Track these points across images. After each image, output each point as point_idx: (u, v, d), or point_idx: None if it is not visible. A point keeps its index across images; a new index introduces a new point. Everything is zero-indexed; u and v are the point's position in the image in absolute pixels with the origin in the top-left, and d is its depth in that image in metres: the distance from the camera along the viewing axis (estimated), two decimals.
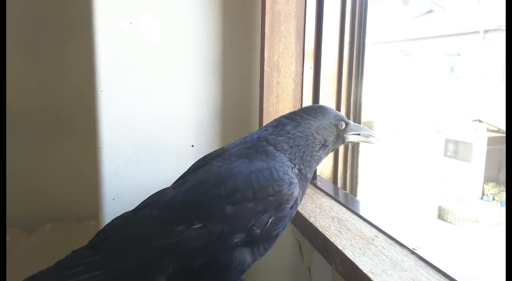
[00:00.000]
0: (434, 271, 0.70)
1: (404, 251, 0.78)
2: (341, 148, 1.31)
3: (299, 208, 1.01)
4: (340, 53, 1.24)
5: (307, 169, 0.82)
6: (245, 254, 0.76)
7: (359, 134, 0.89)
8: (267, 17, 1.12)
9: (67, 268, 0.75)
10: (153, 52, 1.35)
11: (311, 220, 0.95)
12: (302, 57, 1.20)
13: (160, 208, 0.78)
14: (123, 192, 1.45)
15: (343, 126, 0.86)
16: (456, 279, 0.67)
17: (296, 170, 0.80)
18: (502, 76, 8.32)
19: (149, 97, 1.40)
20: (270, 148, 0.80)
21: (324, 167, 1.32)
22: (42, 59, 2.20)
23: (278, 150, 0.80)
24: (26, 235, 2.29)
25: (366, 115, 1.32)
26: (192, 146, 1.48)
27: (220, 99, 1.46)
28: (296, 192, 0.77)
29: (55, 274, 0.74)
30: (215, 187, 0.75)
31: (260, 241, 0.76)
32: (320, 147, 0.84)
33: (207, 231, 0.73)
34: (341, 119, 0.87)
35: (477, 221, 8.01)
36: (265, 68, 1.18)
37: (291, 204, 0.77)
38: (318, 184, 1.21)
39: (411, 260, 0.75)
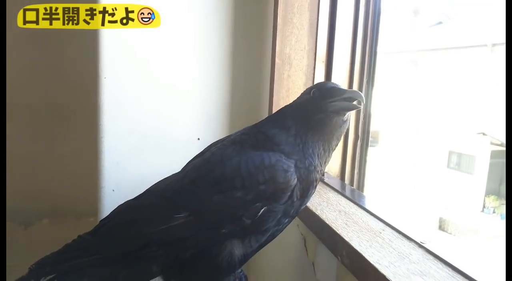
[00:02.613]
0: (443, 265, 0.69)
1: (412, 245, 0.77)
2: (349, 146, 1.30)
3: None
4: (352, 59, 1.21)
5: (301, 161, 0.73)
6: (235, 246, 0.72)
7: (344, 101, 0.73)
8: (280, 7, 1.11)
9: (70, 251, 0.76)
10: (161, 41, 1.33)
11: (318, 212, 0.93)
12: (314, 51, 1.19)
13: (153, 196, 0.79)
14: (124, 184, 1.43)
15: (316, 94, 0.75)
16: (466, 272, 0.65)
17: (293, 162, 0.72)
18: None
19: (154, 87, 1.38)
20: (262, 137, 0.75)
21: (332, 165, 1.31)
22: (44, 47, 2.17)
23: (272, 141, 0.74)
24: (23, 230, 2.26)
25: (372, 124, 1.30)
26: (198, 139, 1.47)
27: (229, 92, 1.44)
28: (294, 181, 0.71)
29: (60, 256, 0.76)
30: (204, 175, 0.74)
31: (251, 233, 0.72)
32: (305, 130, 0.74)
33: (193, 220, 0.71)
34: (316, 87, 0.77)
35: (477, 233, 7.95)
36: (276, 60, 1.17)
37: (288, 193, 0.70)
38: (326, 180, 1.20)
39: (419, 253, 0.73)
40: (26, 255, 0.99)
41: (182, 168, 0.84)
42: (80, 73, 1.89)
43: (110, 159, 1.39)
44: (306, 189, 0.74)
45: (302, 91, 0.83)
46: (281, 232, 0.77)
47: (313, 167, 0.74)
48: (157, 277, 0.77)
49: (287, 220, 0.75)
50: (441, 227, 8.33)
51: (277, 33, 1.14)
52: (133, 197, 0.85)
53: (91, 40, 1.32)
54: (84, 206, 1.85)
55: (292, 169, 0.71)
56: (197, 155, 0.85)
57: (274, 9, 1.15)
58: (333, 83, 0.79)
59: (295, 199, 0.72)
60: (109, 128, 1.36)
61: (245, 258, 0.74)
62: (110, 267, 0.75)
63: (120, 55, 1.33)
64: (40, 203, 2.28)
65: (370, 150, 1.32)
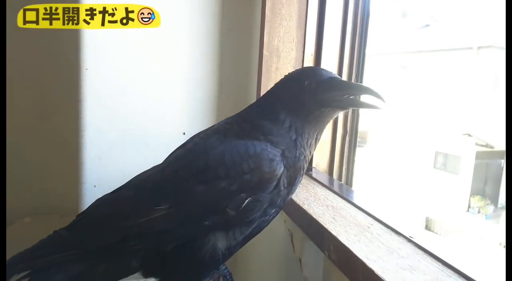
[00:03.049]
0: (433, 259, 0.67)
1: (401, 239, 0.75)
2: (338, 141, 1.28)
3: (293, 196, 0.97)
4: (341, 52, 1.19)
5: (290, 150, 0.70)
6: (219, 239, 0.69)
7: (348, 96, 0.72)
8: None
9: (45, 247, 0.73)
10: (144, 31, 1.29)
11: (305, 207, 0.91)
12: (303, 43, 1.17)
13: (133, 188, 0.75)
14: (106, 179, 1.39)
15: (313, 86, 0.71)
16: (456, 267, 0.64)
17: (280, 151, 0.69)
18: (492, 92, 8.46)
19: (138, 80, 1.34)
20: (248, 126, 0.72)
21: (320, 160, 1.29)
22: (26, 35, 2.10)
23: (259, 130, 0.71)
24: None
25: (361, 125, 1.29)
26: (184, 133, 1.43)
27: (216, 85, 1.41)
28: (280, 170, 0.68)
29: (35, 253, 0.72)
30: (186, 165, 0.71)
31: (235, 224, 0.69)
32: (302, 124, 0.71)
33: (174, 212, 0.67)
34: (308, 76, 0.72)
35: (462, 232, 8.07)
36: (264, 52, 1.15)
37: (274, 183, 0.68)
38: (314, 175, 1.17)
39: (408, 248, 0.71)
40: (9, 254, 0.95)
41: (164, 160, 0.81)
42: (62, 64, 1.83)
43: (92, 154, 1.35)
44: (294, 177, 0.72)
45: (284, 77, 0.78)
46: (268, 223, 0.74)
47: (303, 157, 0.72)
48: (138, 273, 0.74)
49: (274, 210, 0.72)
50: (427, 227, 8.44)
51: (265, 24, 1.11)
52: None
53: (73, 32, 1.28)
54: (66, 203, 1.79)
55: (278, 158, 0.68)
56: (179, 146, 0.82)
57: (262, 0, 1.12)
58: (325, 70, 0.75)
59: (282, 188, 0.69)
60: (91, 120, 1.31)
61: (230, 251, 0.70)
62: (88, 262, 0.71)
63: (103, 46, 1.28)
64: (20, 201, 2.21)
65: (359, 150, 1.31)
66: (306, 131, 0.72)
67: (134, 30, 1.29)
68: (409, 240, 0.74)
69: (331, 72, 0.75)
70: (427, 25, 10.52)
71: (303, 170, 0.74)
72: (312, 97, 0.71)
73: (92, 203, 0.80)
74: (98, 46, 1.26)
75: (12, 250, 0.78)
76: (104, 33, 1.26)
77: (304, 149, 0.72)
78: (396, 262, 0.66)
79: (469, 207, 8.96)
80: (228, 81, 1.39)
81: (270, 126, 0.71)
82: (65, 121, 1.67)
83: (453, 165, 9.53)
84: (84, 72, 1.27)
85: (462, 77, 9.29)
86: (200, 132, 0.80)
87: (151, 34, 1.29)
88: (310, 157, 0.75)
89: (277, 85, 0.78)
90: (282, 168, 0.68)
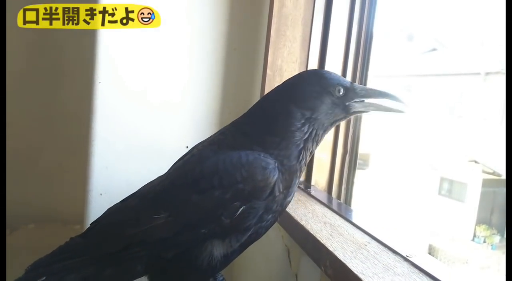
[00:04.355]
0: (429, 278, 0.67)
1: (398, 258, 0.75)
2: (338, 160, 1.29)
3: (290, 211, 0.98)
4: (343, 73, 1.22)
5: (287, 158, 0.70)
6: (215, 246, 0.70)
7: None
8: (274, 20, 1.12)
9: (61, 253, 0.78)
10: (155, 49, 1.35)
11: (303, 223, 0.92)
12: (306, 64, 1.20)
13: (137, 198, 0.79)
14: (112, 188, 1.42)
15: (341, 92, 0.70)
16: None
17: (273, 158, 0.69)
18: (501, 118, 8.41)
19: (146, 95, 1.39)
20: (240, 136, 0.73)
21: (319, 178, 1.30)
22: (41, 52, 2.17)
23: (250, 138, 0.71)
24: (8, 234, 2.22)
25: (363, 147, 1.29)
26: (187, 147, 1.46)
27: (219, 102, 1.45)
28: (273, 178, 0.68)
29: (52, 258, 0.77)
30: (183, 175, 0.74)
31: (231, 232, 0.70)
32: (303, 123, 0.70)
33: (172, 221, 0.70)
34: (337, 84, 0.70)
35: (467, 262, 7.88)
36: (268, 71, 1.18)
37: (268, 191, 0.68)
38: (312, 193, 1.18)
39: (404, 266, 0.72)
40: (11, 260, 0.97)
41: (166, 171, 0.84)
42: (75, 76, 1.89)
43: (99, 163, 1.38)
44: (290, 179, 0.72)
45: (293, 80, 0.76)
46: (266, 229, 0.75)
47: (304, 161, 0.72)
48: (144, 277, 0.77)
49: (270, 216, 0.72)
50: (430, 255, 8.26)
51: (270, 45, 1.15)
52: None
53: (87, 45, 1.33)
54: (71, 210, 1.81)
55: (271, 166, 0.68)
56: (179, 158, 0.85)
57: (268, 21, 1.16)
58: (335, 74, 0.75)
59: (277, 194, 0.70)
60: (100, 131, 1.35)
61: (226, 259, 0.72)
62: (97, 265, 0.75)
63: (115, 60, 1.33)
64: (26, 208, 2.24)
65: (360, 173, 1.31)
66: (321, 138, 0.73)
67: (148, 48, 1.34)
68: (406, 259, 0.74)
69: (340, 76, 0.76)
70: (434, 49, 10.60)
71: (301, 172, 0.75)
72: (342, 104, 0.71)
73: (105, 212, 0.84)
74: (112, 60, 1.31)
75: (13, 255, 0.81)
76: (118, 49, 1.31)
77: (310, 154, 0.73)
78: (391, 279, 0.67)
79: (474, 236, 8.78)
80: (232, 99, 1.43)
81: (275, 139, 0.70)
82: (76, 131, 1.71)
83: (458, 192, 9.40)
84: (97, 85, 1.31)
85: (469, 103, 9.29)
86: (198, 143, 0.83)
87: (162, 52, 1.35)
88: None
89: (286, 89, 0.75)
90: (276, 176, 0.69)
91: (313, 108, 0.70)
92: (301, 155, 0.72)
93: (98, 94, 1.32)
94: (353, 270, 0.68)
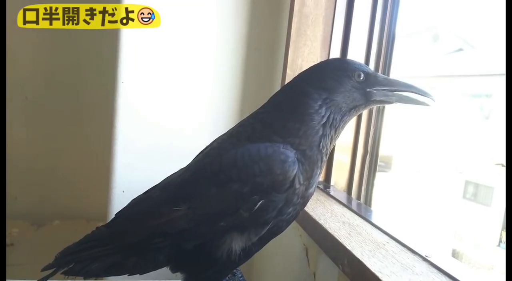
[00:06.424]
0: (448, 278, 0.67)
1: (416, 258, 0.75)
2: (358, 161, 1.29)
3: (309, 210, 0.98)
4: None
5: (307, 146, 0.69)
6: (234, 239, 0.71)
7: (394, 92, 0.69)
8: (294, 19, 1.13)
9: (87, 241, 0.82)
10: (176, 50, 1.38)
11: (321, 222, 0.92)
12: None
13: (159, 190, 0.83)
14: (134, 185, 1.45)
15: (361, 77, 0.69)
16: None
17: (292, 149, 0.69)
18: None
19: (168, 94, 1.43)
20: (259, 126, 0.74)
21: (339, 178, 1.30)
22: (63, 53, 2.23)
23: (269, 128, 0.72)
24: (35, 229, 2.31)
25: (385, 148, 1.28)
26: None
27: (239, 102, 1.47)
28: (292, 172, 0.68)
29: (79, 246, 0.81)
30: (202, 168, 0.76)
31: (249, 226, 0.71)
32: (320, 105, 0.69)
33: (192, 213, 0.72)
34: (357, 68, 0.70)
35: (492, 268, 7.62)
36: (288, 71, 1.19)
37: (287, 185, 0.68)
38: (332, 193, 1.18)
39: (423, 266, 0.71)
40: (37, 254, 1.02)
41: (188, 164, 0.87)
42: (99, 76, 1.94)
43: (122, 160, 1.42)
44: (311, 169, 0.71)
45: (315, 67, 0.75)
46: (287, 223, 0.75)
47: (325, 149, 0.72)
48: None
49: (291, 208, 0.72)
50: None
51: (290, 44, 1.15)
52: None
53: (110, 45, 1.37)
54: (94, 207, 1.87)
55: (291, 159, 0.68)
56: (201, 151, 0.87)
57: (288, 21, 1.17)
58: (358, 62, 0.75)
59: (297, 186, 0.69)
60: (123, 130, 1.39)
61: (245, 253, 0.73)
62: (121, 255, 0.79)
63: (138, 60, 1.37)
64: (52, 204, 2.32)
65: (382, 175, 1.30)
66: (341, 125, 0.72)
67: (170, 49, 1.38)
68: (425, 259, 0.74)
69: (364, 64, 0.75)
70: (460, 49, 10.30)
71: (322, 163, 0.74)
72: (362, 89, 0.70)
73: (129, 203, 0.88)
74: (135, 60, 1.35)
75: (42, 249, 0.86)
76: (141, 49, 1.35)
77: (330, 142, 0.72)
78: (409, 278, 0.67)
79: (500, 241, 8.48)
80: (251, 98, 1.44)
81: (295, 125, 0.70)
82: (100, 130, 1.77)
83: (484, 196, 9.10)
84: (120, 85, 1.35)
85: (496, 104, 8.99)
86: (218, 137, 0.85)
87: (183, 52, 1.38)
88: (331, 149, 0.74)
89: (305, 74, 0.76)
90: (296, 169, 0.68)
91: (330, 88, 0.69)
92: (322, 142, 0.70)
93: (121, 93, 1.36)
94: (370, 268, 0.68)
